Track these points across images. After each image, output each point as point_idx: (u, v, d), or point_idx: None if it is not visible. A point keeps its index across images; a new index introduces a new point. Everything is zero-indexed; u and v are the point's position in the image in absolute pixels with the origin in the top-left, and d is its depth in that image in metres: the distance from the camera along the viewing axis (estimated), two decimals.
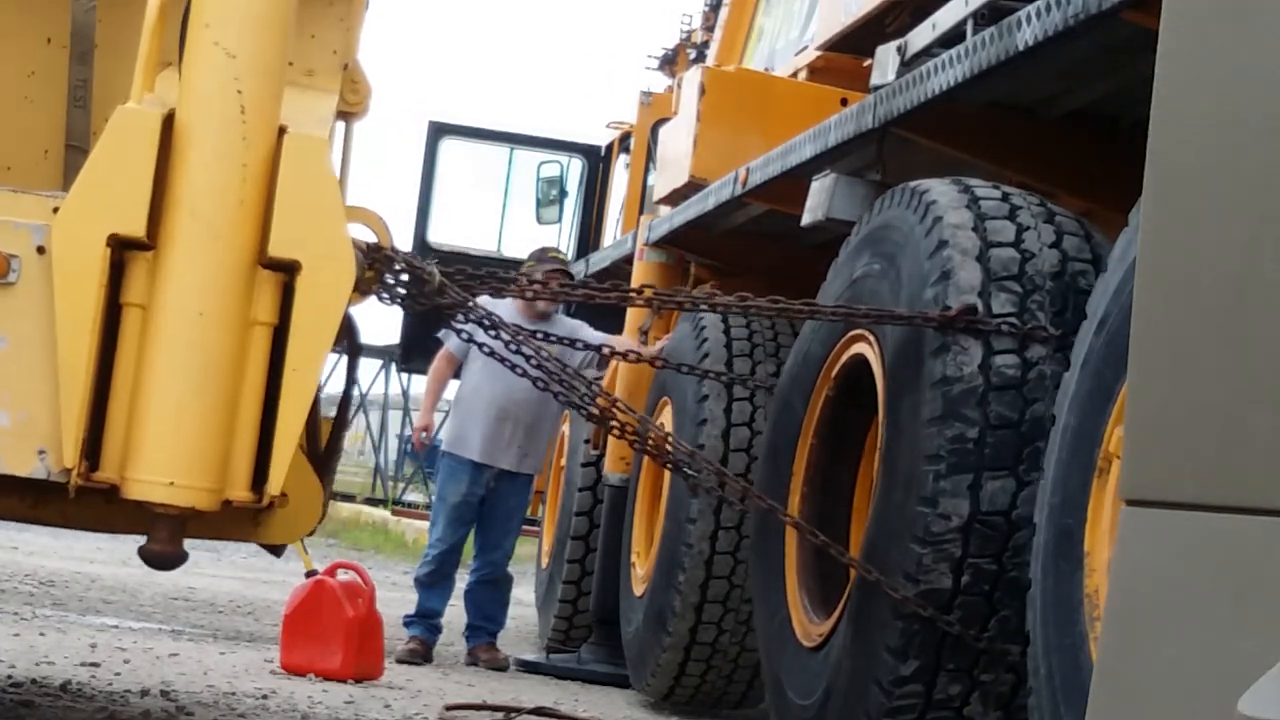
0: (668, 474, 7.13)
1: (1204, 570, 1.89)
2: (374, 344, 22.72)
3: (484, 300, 8.21)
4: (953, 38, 5.12)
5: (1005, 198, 4.64)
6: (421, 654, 8.15)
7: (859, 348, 4.99)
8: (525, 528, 9.43)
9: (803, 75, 8.20)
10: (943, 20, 5.28)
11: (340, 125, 4.99)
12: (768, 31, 9.55)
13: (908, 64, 5.45)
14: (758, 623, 5.63)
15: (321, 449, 4.53)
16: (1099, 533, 3.78)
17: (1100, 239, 4.52)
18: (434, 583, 8.39)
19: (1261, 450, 1.82)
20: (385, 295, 4.48)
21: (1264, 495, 1.81)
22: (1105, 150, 4.98)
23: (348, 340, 4.64)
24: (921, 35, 5.46)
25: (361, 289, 4.38)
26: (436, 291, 4.51)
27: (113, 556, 12.01)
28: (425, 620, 8.30)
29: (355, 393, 5.55)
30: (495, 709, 6.53)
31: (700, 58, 11.09)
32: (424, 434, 9.64)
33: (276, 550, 4.86)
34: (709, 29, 11.15)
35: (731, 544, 6.67)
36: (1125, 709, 1.99)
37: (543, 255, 8.77)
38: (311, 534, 4.74)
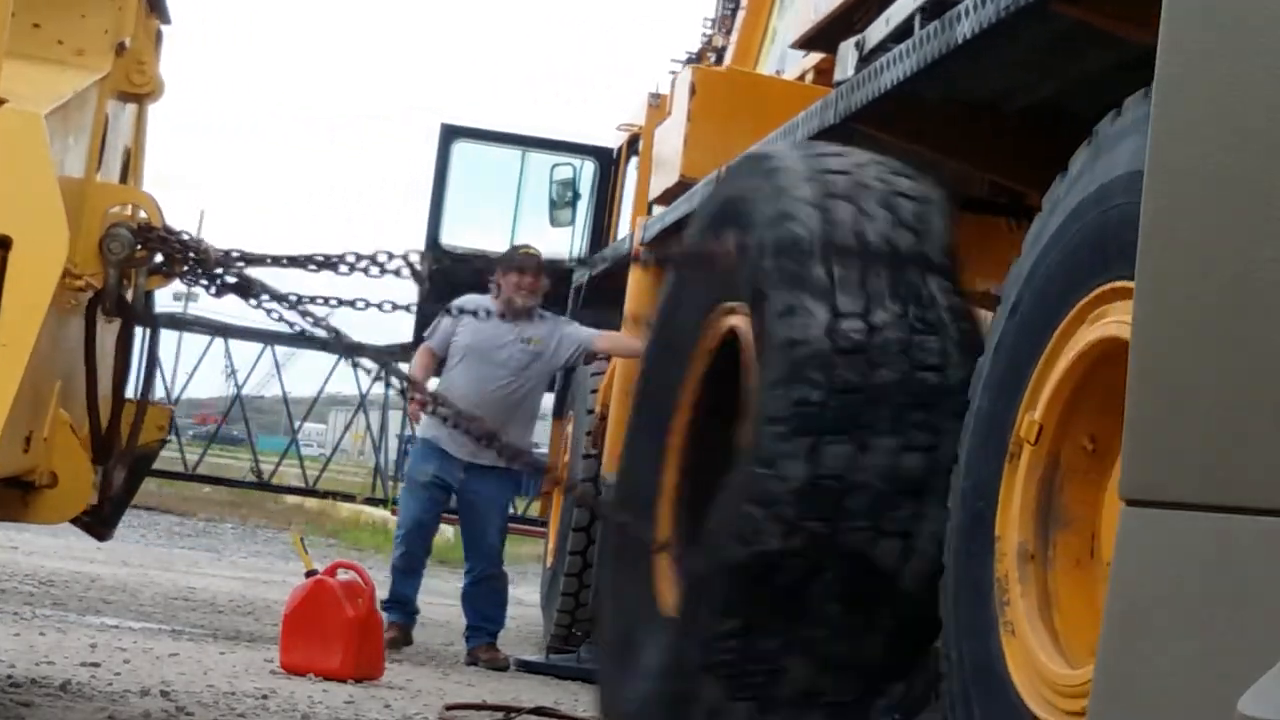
0: None
1: (1204, 570, 1.88)
2: (373, 344, 22.69)
3: (468, 299, 8.36)
4: (903, 32, 5.10)
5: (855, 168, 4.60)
6: (402, 640, 8.25)
7: (733, 320, 4.94)
8: (529, 528, 9.46)
9: (809, 76, 8.20)
10: (894, 15, 5.26)
11: (131, 108, 5.03)
12: (780, 34, 9.55)
13: (865, 59, 5.43)
14: (615, 603, 5.61)
15: (104, 430, 4.57)
16: (1009, 517, 3.78)
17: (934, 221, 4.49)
18: (408, 566, 8.49)
19: (1261, 450, 1.82)
20: (189, 278, 4.54)
21: (1264, 495, 1.81)
22: (1063, 143, 4.95)
23: (147, 318, 4.70)
24: (877, 30, 5.44)
25: (165, 272, 4.46)
26: (213, 266, 4.58)
27: (112, 556, 12.01)
28: (401, 606, 8.41)
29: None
30: (495, 709, 6.52)
31: (720, 61, 11.09)
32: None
33: (101, 535, 4.90)
34: (726, 32, 11.14)
35: None
36: (1125, 709, 1.99)
37: (514, 254, 8.88)
38: (106, 524, 4.80)
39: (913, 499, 4.17)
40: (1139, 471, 2.02)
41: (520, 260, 8.55)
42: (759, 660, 4.40)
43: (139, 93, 4.88)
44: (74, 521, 4.94)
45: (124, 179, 5.05)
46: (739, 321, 4.87)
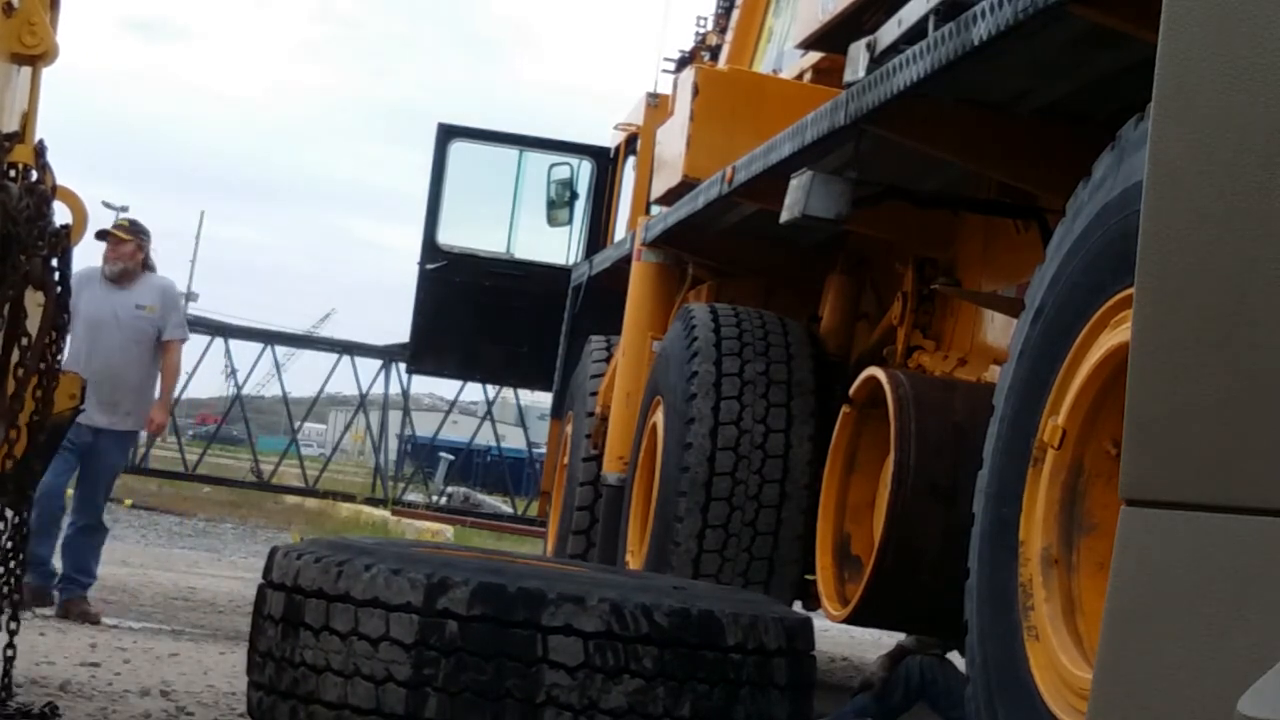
0: (659, 472, 7.13)
1: (1204, 570, 1.88)
2: (374, 344, 22.74)
3: (79, 270, 8.70)
4: (917, 33, 5.10)
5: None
6: (33, 601, 8.25)
7: None
8: (528, 528, 9.48)
9: (808, 76, 8.19)
10: (907, 16, 5.26)
11: (26, 70, 5.02)
12: (777, 33, 9.54)
13: (877, 60, 5.44)
14: None
15: None
16: (1033, 522, 3.78)
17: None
18: (40, 528, 8.53)
19: (1261, 450, 1.82)
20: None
21: (1264, 495, 1.81)
22: (1078, 146, 4.95)
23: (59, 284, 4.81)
24: (889, 31, 5.44)
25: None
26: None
27: (112, 556, 11.99)
28: (36, 567, 8.46)
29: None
30: None
31: (715, 60, 11.10)
32: None
33: (12, 506, 5.00)
34: (721, 31, 11.14)
35: (719, 542, 6.66)
36: (1125, 709, 1.99)
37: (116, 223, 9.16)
38: (14, 491, 4.91)
39: None
40: (1139, 471, 2.02)
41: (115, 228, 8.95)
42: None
43: (31, 54, 4.88)
44: None
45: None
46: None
